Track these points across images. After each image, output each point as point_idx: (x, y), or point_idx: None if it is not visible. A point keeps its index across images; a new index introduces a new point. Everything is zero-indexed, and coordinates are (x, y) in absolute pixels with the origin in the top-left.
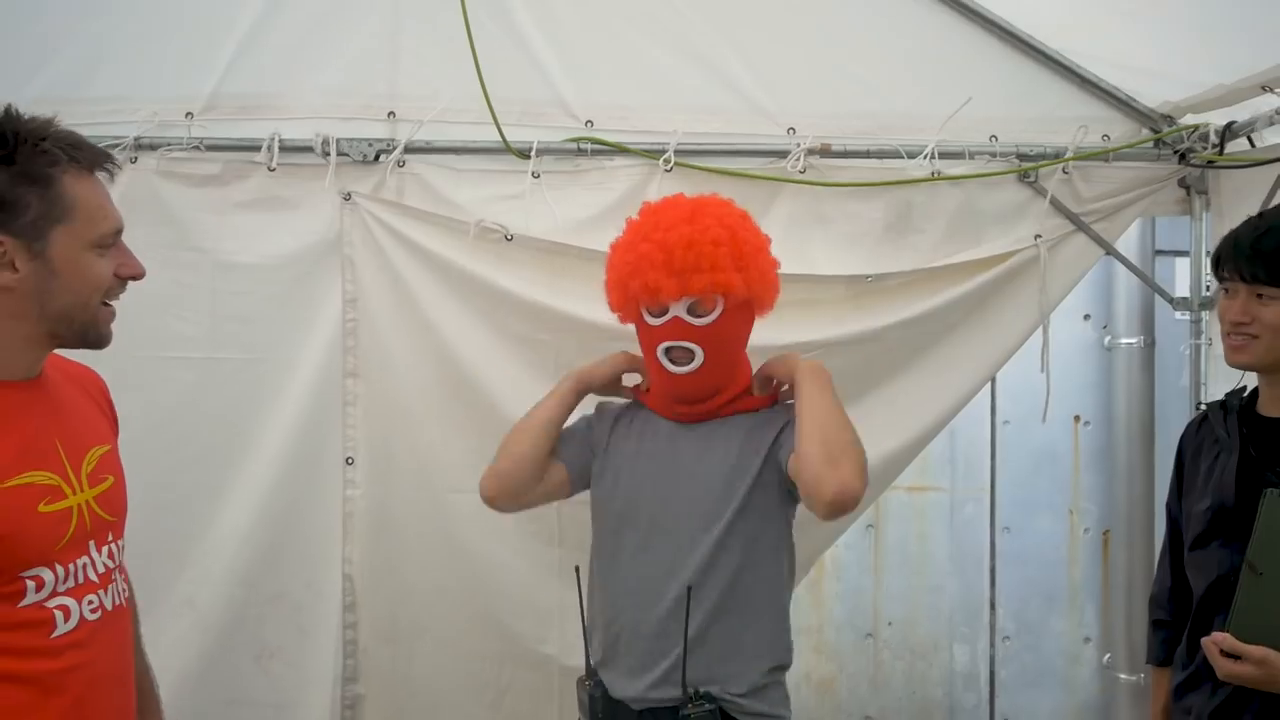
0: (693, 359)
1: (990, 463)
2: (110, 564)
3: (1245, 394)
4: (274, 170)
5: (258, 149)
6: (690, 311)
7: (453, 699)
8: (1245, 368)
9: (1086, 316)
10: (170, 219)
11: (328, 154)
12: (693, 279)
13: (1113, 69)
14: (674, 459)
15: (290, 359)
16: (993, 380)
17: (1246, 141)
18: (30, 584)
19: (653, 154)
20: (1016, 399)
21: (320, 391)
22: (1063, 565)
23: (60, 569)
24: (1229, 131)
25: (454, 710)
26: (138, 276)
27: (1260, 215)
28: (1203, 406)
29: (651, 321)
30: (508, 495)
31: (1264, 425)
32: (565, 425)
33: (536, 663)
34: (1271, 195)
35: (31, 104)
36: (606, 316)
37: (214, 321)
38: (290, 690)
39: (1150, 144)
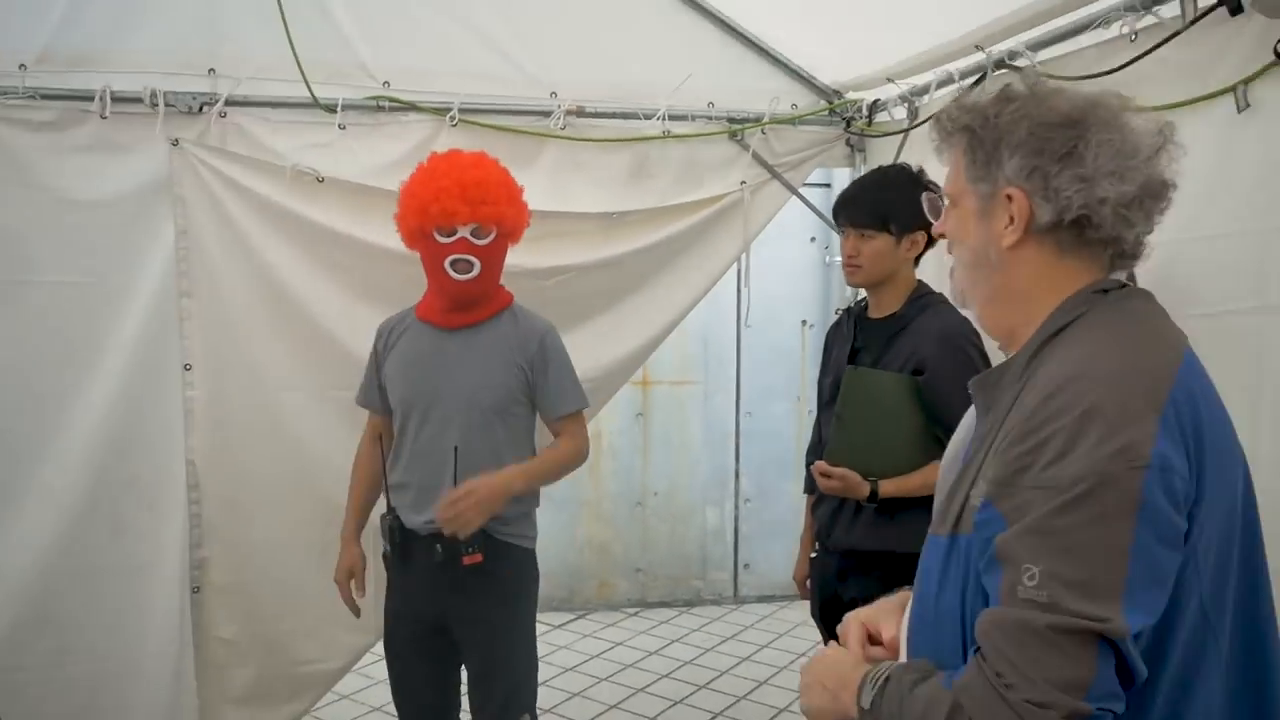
0: (472, 269)
1: (736, 360)
2: None
3: (863, 301)
4: (107, 118)
5: (91, 99)
6: (474, 235)
7: (284, 555)
8: (857, 286)
9: (813, 239)
10: (12, 160)
11: (156, 105)
12: (480, 209)
13: (800, 52)
14: (443, 356)
15: (129, 283)
16: (737, 292)
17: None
18: None
19: (440, 111)
20: (755, 308)
21: (158, 308)
22: (792, 440)
23: None
24: (875, 107)
25: (290, 565)
26: None
27: (861, 177)
28: (838, 310)
29: (441, 240)
30: None
31: (869, 324)
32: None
33: None
34: (896, 158)
35: None
36: (401, 245)
37: (60, 250)
38: (143, 558)
39: (826, 113)
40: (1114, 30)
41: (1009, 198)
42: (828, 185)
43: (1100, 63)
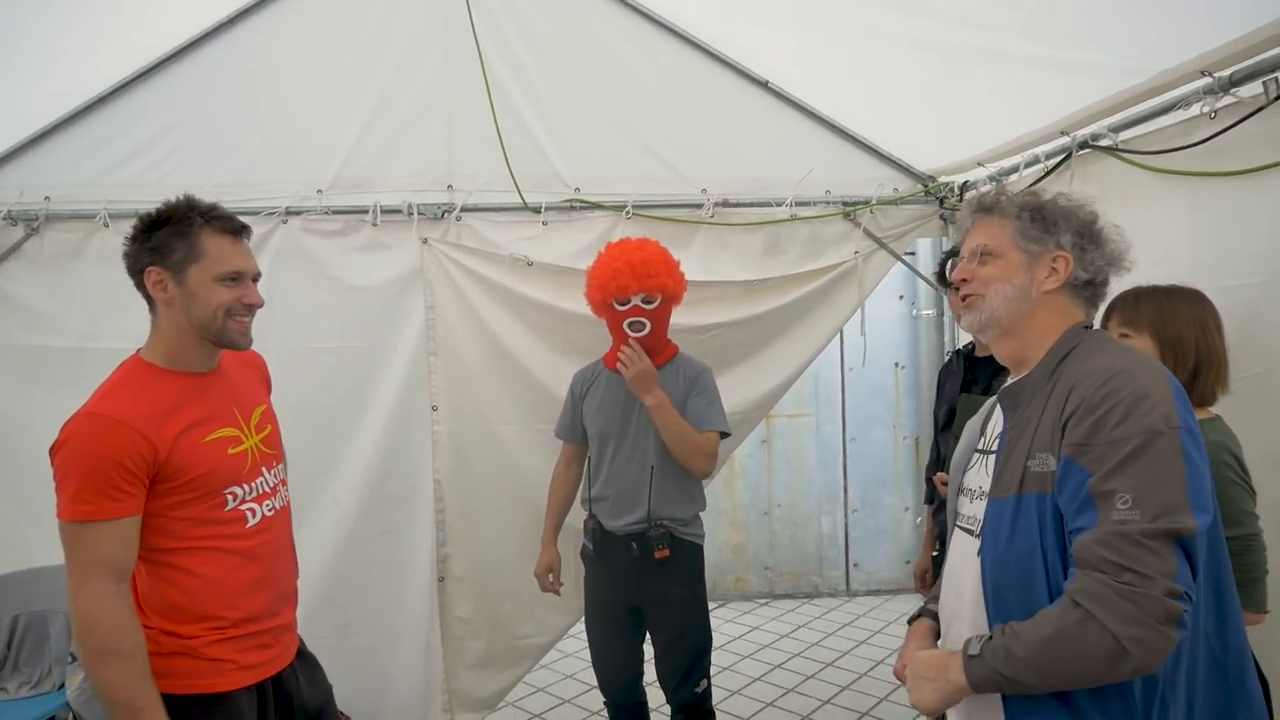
0: (644, 328)
1: (841, 396)
2: (275, 480)
3: (970, 344)
4: (377, 225)
5: (366, 212)
6: (644, 301)
7: (506, 552)
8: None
9: (901, 297)
10: (311, 259)
11: (411, 214)
12: (648, 281)
13: (899, 146)
14: (631, 397)
15: (393, 344)
16: (841, 341)
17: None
18: (229, 497)
19: (617, 208)
20: (858, 353)
21: (413, 364)
22: (889, 461)
23: (246, 486)
24: (965, 187)
25: (509, 560)
26: (254, 305)
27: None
28: (949, 353)
29: (619, 308)
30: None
31: (976, 361)
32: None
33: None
34: None
35: (216, 186)
36: (589, 311)
37: (344, 323)
38: (402, 554)
39: (922, 194)
40: (1194, 110)
41: (1056, 258)
42: (913, 253)
43: (1182, 137)
